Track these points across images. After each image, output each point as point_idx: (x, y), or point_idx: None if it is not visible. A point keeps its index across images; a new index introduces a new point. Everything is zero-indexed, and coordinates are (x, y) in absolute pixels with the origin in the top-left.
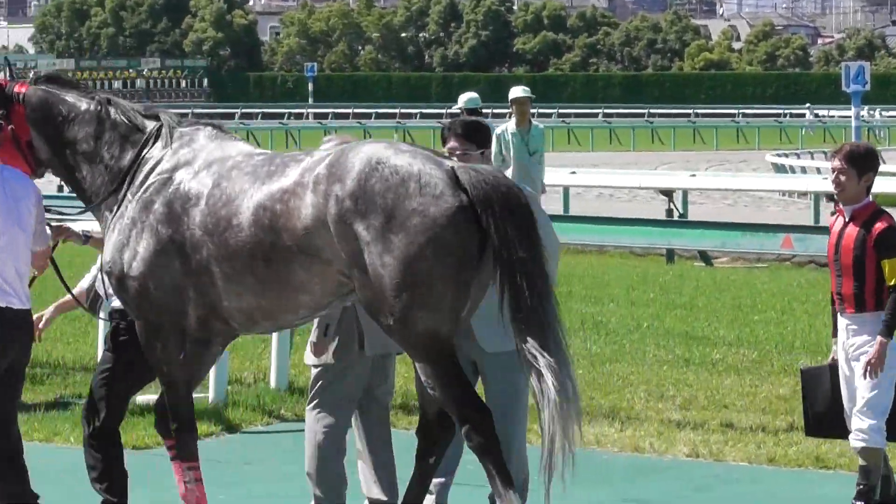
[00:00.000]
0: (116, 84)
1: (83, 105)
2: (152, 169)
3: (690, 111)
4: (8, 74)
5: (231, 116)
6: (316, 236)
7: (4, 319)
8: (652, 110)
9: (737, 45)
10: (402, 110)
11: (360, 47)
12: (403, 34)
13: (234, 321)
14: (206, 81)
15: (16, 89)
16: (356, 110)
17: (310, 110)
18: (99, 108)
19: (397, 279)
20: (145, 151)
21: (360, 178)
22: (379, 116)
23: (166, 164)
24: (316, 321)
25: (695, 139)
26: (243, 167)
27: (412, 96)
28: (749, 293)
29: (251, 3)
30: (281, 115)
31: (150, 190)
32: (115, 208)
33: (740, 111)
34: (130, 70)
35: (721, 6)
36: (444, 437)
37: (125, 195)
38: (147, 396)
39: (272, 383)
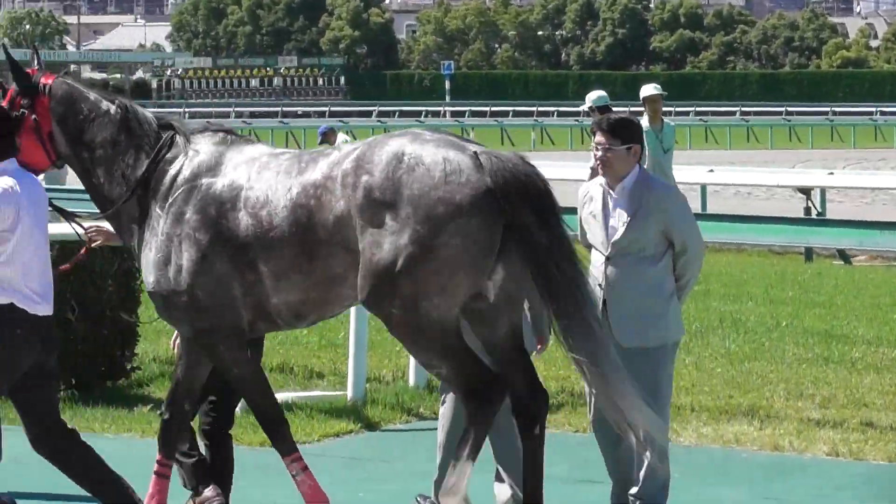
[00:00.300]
0: (254, 82)
1: (104, 106)
2: (173, 179)
3: (828, 109)
4: (36, 64)
5: (368, 114)
6: (348, 228)
7: (39, 327)
8: (789, 108)
9: (874, 44)
10: (540, 108)
11: (496, 45)
12: (540, 32)
13: (281, 318)
14: (342, 80)
15: (42, 80)
16: (493, 108)
17: (447, 108)
18: (118, 112)
19: (419, 269)
20: (160, 161)
21: (387, 170)
22: (516, 114)
23: (187, 172)
24: None
25: (832, 137)
26: (272, 167)
27: (549, 94)
28: (888, 291)
29: (388, 1)
30: (418, 114)
31: (178, 201)
32: (142, 222)
33: (878, 109)
34: (267, 68)
35: (858, 4)
36: (539, 405)
37: (151, 208)
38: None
39: (411, 381)
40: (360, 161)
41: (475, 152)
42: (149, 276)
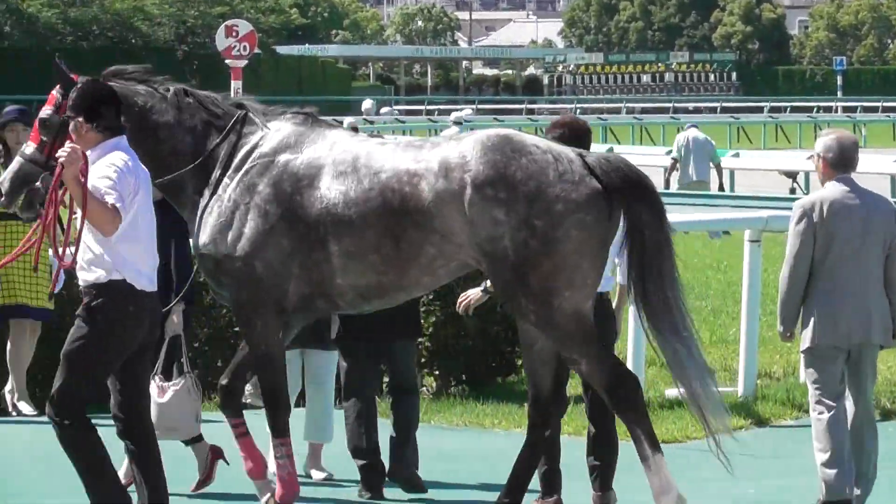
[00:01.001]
0: (645, 78)
1: (158, 94)
2: (249, 153)
3: None
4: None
5: (759, 110)
6: (448, 219)
7: (147, 304)
8: None
9: None
10: None
11: (889, 41)
12: None
13: (343, 299)
14: (734, 75)
15: None
16: (885, 104)
17: (838, 104)
18: (176, 98)
19: (543, 263)
20: (233, 136)
21: (497, 166)
22: None
23: (265, 147)
24: None
25: None
26: (357, 150)
27: None
28: None
29: None
30: (809, 109)
31: (252, 173)
32: (209, 192)
33: None
34: (659, 64)
35: None
36: (558, 410)
37: (219, 179)
38: (672, 390)
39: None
40: (464, 155)
41: (580, 154)
42: (203, 237)
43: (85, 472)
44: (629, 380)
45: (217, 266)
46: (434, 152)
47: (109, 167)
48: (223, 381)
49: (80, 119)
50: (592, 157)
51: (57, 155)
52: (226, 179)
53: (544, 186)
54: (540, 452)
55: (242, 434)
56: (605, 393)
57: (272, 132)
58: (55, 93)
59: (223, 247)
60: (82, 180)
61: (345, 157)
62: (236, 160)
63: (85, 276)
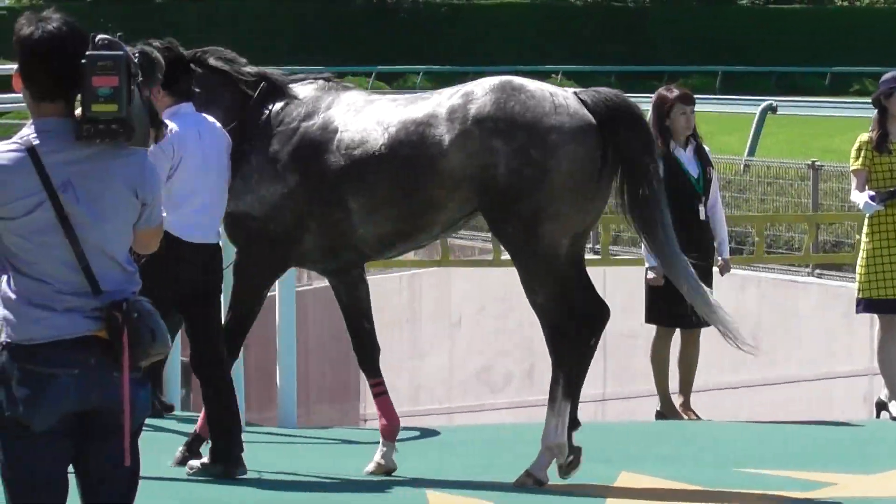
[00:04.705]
0: None
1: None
2: (269, 120)
3: None
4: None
5: None
6: (454, 158)
7: (199, 254)
8: None
9: None
10: None
11: None
12: None
13: (368, 248)
14: None
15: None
16: None
17: None
18: (206, 70)
19: (535, 191)
20: (255, 104)
21: (498, 102)
22: None
23: (285, 115)
24: None
25: None
26: (367, 110)
27: None
28: None
29: None
30: None
31: (275, 142)
32: (236, 163)
33: None
34: None
35: None
36: (601, 320)
37: (244, 149)
38: None
39: None
40: (469, 97)
41: (574, 92)
42: (228, 202)
43: None
44: (572, 326)
45: (236, 224)
46: (441, 100)
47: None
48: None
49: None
50: (586, 93)
51: None
52: (247, 146)
53: (540, 117)
54: (589, 362)
55: (381, 393)
56: (546, 330)
57: (291, 100)
58: None
59: (244, 206)
60: None
61: (358, 118)
62: (258, 128)
63: None
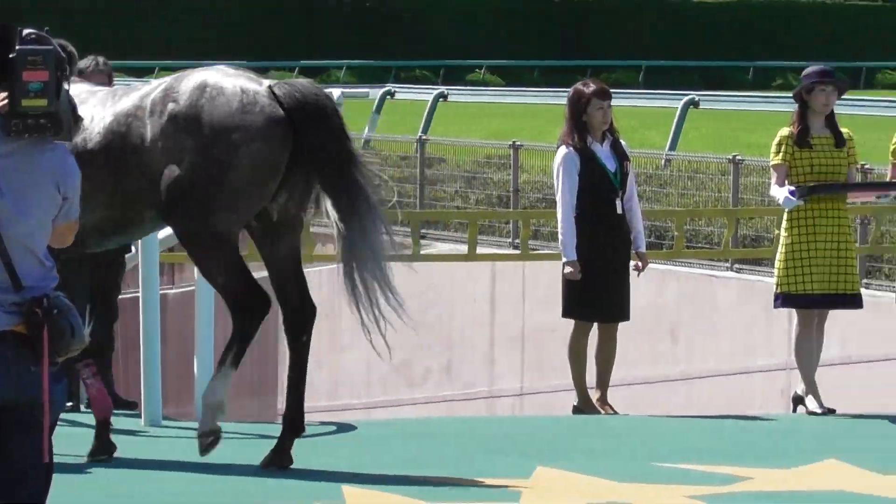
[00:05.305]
0: None
1: None
2: None
3: None
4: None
5: None
6: (153, 151)
7: None
8: None
9: None
10: None
11: None
12: None
13: (89, 237)
14: None
15: None
16: None
17: None
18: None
19: (209, 186)
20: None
21: (191, 100)
22: None
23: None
24: None
25: None
26: (90, 102)
27: None
28: None
29: None
30: None
31: None
32: None
33: None
34: None
35: None
36: (309, 319)
37: None
38: None
39: None
40: (168, 91)
41: (269, 85)
42: None
43: None
44: (257, 302)
45: None
46: (149, 91)
47: None
48: None
49: None
50: (280, 86)
51: None
52: None
53: (226, 116)
54: (306, 361)
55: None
56: (229, 304)
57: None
58: None
59: None
60: None
61: (81, 110)
62: None
63: None
